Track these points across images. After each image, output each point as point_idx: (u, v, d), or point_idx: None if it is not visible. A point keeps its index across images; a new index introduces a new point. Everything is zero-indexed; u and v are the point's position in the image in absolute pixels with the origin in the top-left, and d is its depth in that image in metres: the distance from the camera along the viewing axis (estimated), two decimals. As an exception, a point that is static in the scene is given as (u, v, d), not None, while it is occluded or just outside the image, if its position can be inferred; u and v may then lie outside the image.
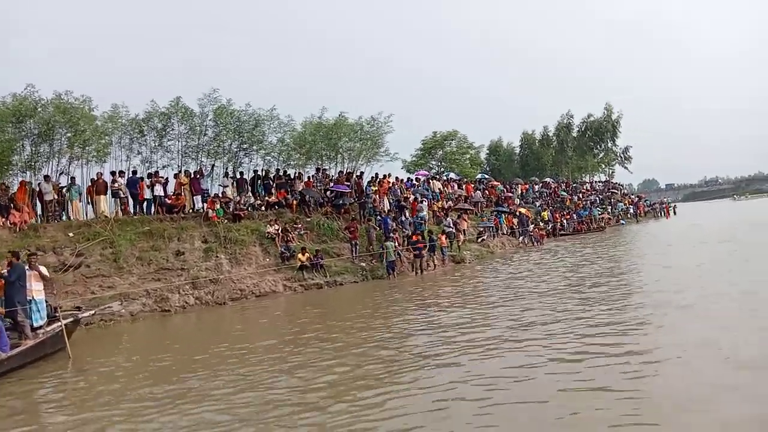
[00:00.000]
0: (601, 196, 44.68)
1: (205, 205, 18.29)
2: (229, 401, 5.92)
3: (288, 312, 13.36)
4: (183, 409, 5.80)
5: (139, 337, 11.78)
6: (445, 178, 31.61)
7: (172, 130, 20.66)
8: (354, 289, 16.31)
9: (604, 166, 56.45)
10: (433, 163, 45.25)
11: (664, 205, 51.59)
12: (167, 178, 18.74)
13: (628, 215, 43.62)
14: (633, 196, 56.72)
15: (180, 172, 18.98)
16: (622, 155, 56.36)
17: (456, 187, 29.73)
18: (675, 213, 51.54)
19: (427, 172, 32.90)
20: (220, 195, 18.91)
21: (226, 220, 17.77)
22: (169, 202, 17.92)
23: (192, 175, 18.96)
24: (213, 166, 20.43)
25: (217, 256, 16.60)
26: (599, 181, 52.39)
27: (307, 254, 16.92)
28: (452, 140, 45.99)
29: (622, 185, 57.60)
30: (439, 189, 27.60)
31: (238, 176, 20.16)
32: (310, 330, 9.85)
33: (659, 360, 5.88)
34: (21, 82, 32.66)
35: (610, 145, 55.32)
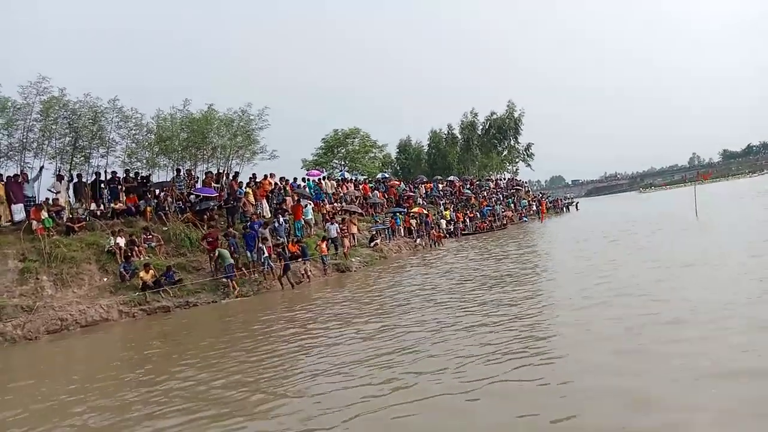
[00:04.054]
0: (505, 193, 44.48)
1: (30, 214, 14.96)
2: None
3: (90, 354, 10.66)
4: None
5: None
6: (339, 177, 29.42)
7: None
8: (206, 311, 13.73)
9: (508, 164, 56.68)
10: (336, 162, 43.04)
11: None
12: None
13: (531, 212, 43.71)
14: (539, 193, 57.71)
15: (-7, 176, 15.44)
16: (524, 152, 56.79)
17: (352, 187, 27.64)
18: (577, 209, 52.57)
19: (319, 172, 30.41)
20: (51, 202, 15.66)
21: (55, 234, 14.66)
22: (-23, 213, 14.51)
23: (11, 179, 15.52)
24: (41, 168, 16.90)
25: (37, 278, 13.54)
26: (503, 179, 52.43)
27: (151, 271, 14.13)
28: (354, 138, 44.00)
29: (527, 182, 58.14)
30: (333, 189, 25.36)
31: (76, 179, 16.84)
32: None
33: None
34: None
35: (513, 142, 55.58)
